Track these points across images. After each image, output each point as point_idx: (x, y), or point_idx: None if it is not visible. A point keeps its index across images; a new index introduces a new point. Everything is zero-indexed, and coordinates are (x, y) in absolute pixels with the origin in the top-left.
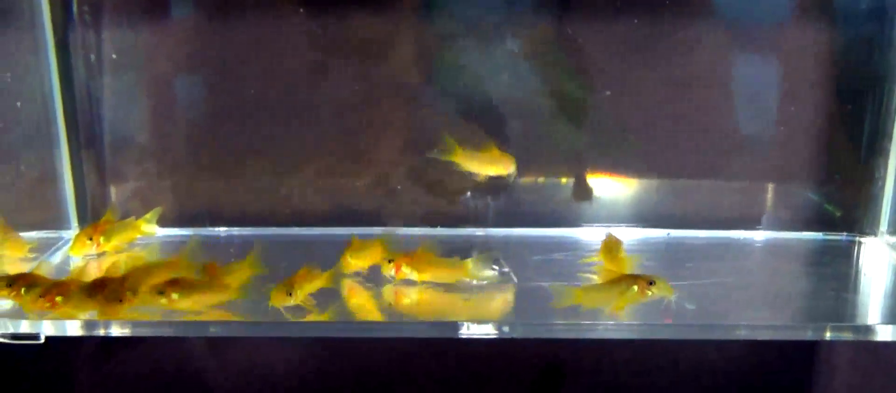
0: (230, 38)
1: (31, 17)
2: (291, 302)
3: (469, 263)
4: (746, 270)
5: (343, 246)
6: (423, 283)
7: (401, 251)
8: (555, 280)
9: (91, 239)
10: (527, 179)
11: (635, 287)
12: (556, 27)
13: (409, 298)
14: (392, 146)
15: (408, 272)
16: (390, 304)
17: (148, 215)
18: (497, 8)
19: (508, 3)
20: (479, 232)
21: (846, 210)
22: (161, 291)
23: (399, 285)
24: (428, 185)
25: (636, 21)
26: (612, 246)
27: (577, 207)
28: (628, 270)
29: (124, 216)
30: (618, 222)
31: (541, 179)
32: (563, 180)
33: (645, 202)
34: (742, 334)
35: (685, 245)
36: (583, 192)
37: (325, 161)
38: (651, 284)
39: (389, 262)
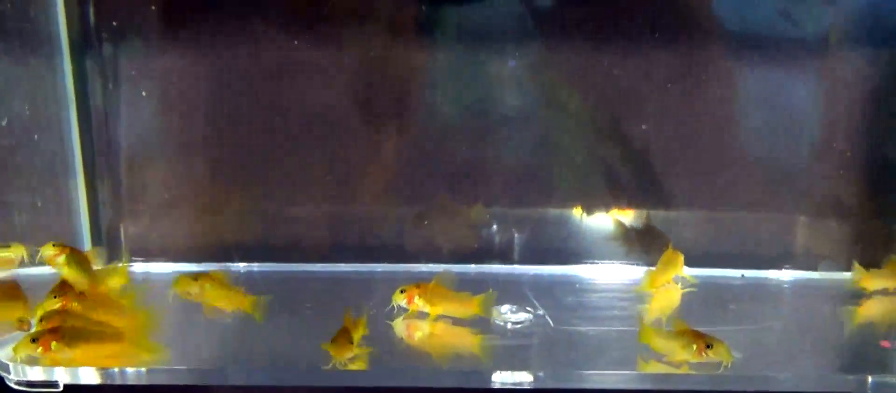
0: (252, 69)
1: (49, 48)
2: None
3: (480, 298)
4: (791, 312)
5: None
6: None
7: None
8: (589, 325)
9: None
10: (555, 210)
11: (694, 346)
12: (594, 59)
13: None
14: (420, 181)
15: (420, 304)
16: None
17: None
18: (530, 42)
19: (544, 36)
20: (505, 269)
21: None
22: (35, 339)
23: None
24: (454, 219)
25: (674, 51)
26: (670, 259)
27: (610, 244)
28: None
29: (140, 248)
30: (652, 262)
31: (575, 213)
32: (595, 214)
33: (684, 239)
34: (780, 386)
35: (726, 284)
36: (618, 227)
37: (349, 194)
38: (708, 347)
39: (401, 292)
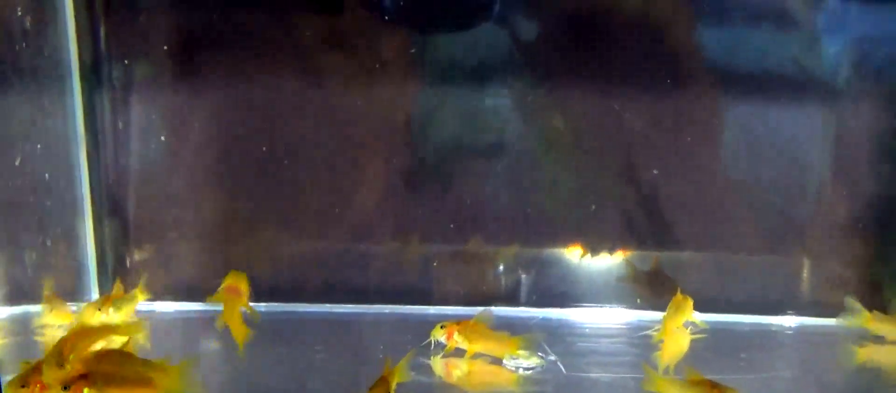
0: (264, 108)
1: (61, 85)
2: None
3: (518, 340)
4: (802, 360)
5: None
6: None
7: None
8: (603, 371)
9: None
10: (563, 253)
11: None
12: (604, 103)
13: None
14: (428, 221)
15: (459, 341)
16: None
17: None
18: (538, 83)
19: (552, 77)
20: (512, 311)
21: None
22: (66, 386)
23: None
24: (463, 261)
25: (684, 97)
26: (679, 304)
27: (619, 287)
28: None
29: (147, 286)
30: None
31: (577, 255)
32: (600, 255)
33: (692, 283)
34: None
35: (734, 331)
36: (628, 270)
37: (358, 235)
38: None
39: (441, 327)
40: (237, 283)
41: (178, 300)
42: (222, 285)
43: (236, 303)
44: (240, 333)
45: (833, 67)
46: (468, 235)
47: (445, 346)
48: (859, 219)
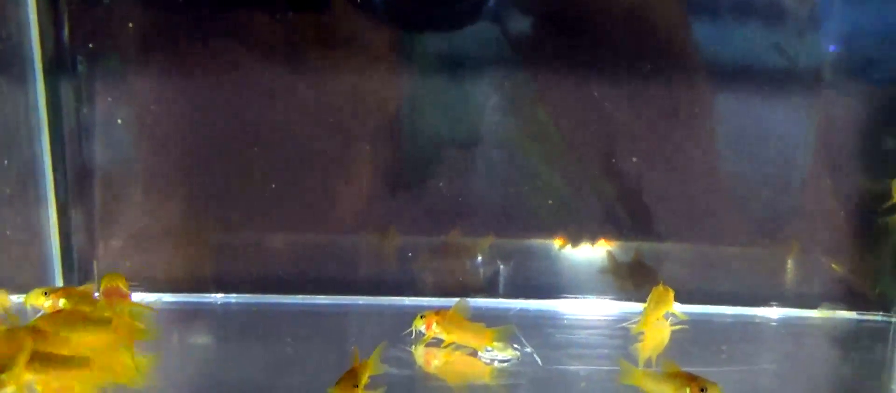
0: (231, 96)
1: (21, 69)
2: None
3: (493, 331)
4: (784, 353)
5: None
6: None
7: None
8: (580, 363)
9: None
10: (542, 243)
11: (687, 390)
12: (583, 90)
13: None
14: (406, 212)
15: (437, 331)
16: None
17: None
18: (517, 72)
19: (531, 66)
20: (491, 303)
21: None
22: None
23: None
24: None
25: (665, 85)
26: (660, 296)
27: (599, 278)
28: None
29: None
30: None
31: (556, 245)
32: (581, 246)
33: (673, 274)
34: None
35: (715, 323)
36: (609, 260)
37: (329, 225)
38: (703, 390)
39: (422, 317)
40: (116, 283)
41: (146, 292)
42: (100, 289)
43: (122, 305)
44: (130, 336)
45: (819, 56)
46: (448, 226)
47: (425, 334)
48: (843, 210)
